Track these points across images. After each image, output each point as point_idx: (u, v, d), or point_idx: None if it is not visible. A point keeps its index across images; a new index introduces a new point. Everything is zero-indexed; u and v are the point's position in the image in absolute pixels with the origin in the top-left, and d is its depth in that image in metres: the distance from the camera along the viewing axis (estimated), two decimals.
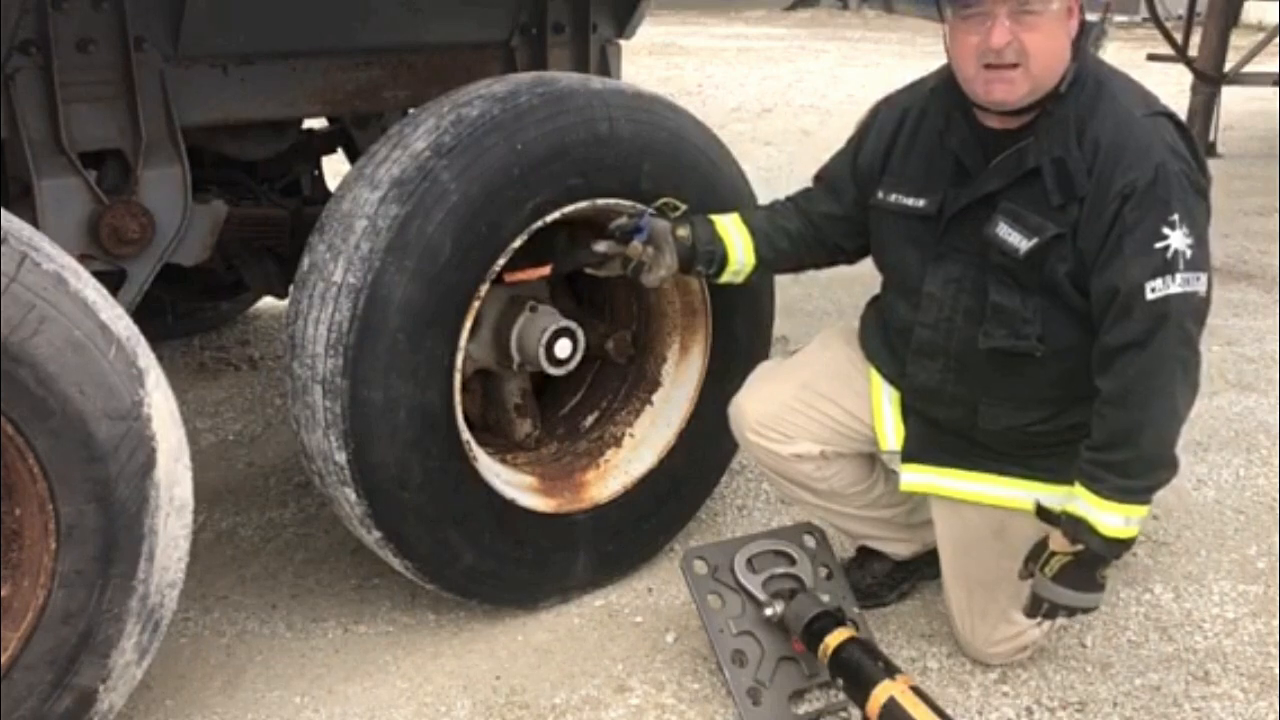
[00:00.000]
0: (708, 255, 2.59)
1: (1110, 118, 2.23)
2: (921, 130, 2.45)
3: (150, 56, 2.45)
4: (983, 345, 2.36)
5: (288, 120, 3.10)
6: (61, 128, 2.35)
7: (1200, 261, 2.19)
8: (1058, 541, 2.32)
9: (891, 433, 2.60)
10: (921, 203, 2.43)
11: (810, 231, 2.65)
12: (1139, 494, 2.26)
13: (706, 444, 2.99)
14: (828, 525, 2.79)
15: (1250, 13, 10.34)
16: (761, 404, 2.65)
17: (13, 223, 1.97)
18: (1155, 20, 8.36)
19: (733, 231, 2.62)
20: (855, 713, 2.39)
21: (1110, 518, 2.24)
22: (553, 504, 2.80)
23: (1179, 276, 2.16)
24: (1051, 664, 2.65)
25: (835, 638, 2.39)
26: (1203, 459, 3.65)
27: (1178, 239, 2.16)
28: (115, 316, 2.06)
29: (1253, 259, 5.86)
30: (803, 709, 2.50)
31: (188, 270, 2.77)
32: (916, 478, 2.57)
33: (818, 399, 2.63)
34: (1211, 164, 8.46)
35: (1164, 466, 2.28)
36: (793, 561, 2.62)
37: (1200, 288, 2.19)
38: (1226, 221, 6.53)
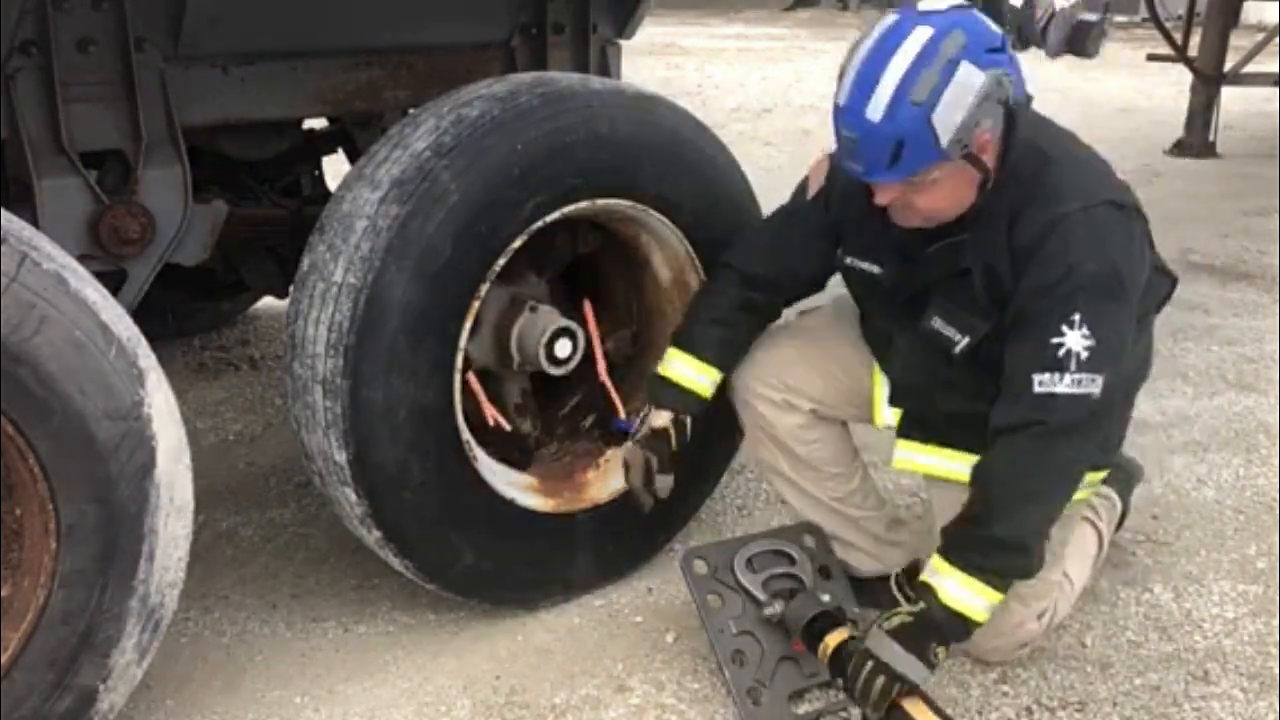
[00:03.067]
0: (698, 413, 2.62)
1: (1039, 216, 2.21)
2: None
3: (150, 56, 2.45)
4: (943, 409, 2.42)
5: (288, 120, 3.10)
6: (61, 128, 2.35)
7: (1098, 363, 2.18)
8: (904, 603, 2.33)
9: (888, 412, 2.60)
10: (877, 270, 2.46)
11: (779, 295, 2.64)
12: (985, 572, 2.23)
13: (707, 444, 2.99)
14: (797, 517, 2.79)
15: (1250, 13, 10.33)
16: (766, 354, 2.66)
17: (13, 223, 1.97)
18: (1155, 20, 8.37)
19: (698, 378, 2.60)
20: (855, 713, 2.39)
21: (952, 585, 2.23)
22: (553, 504, 2.80)
23: (1069, 377, 2.17)
24: (1051, 664, 2.65)
25: (835, 638, 2.39)
26: (1203, 459, 3.65)
27: (1074, 339, 2.16)
28: (116, 316, 2.06)
29: (1253, 259, 5.87)
30: (803, 709, 2.50)
31: (188, 270, 2.77)
32: (909, 455, 2.55)
33: (823, 354, 2.64)
34: (1211, 164, 8.46)
35: (1016, 554, 2.25)
36: (793, 561, 2.62)
37: (1094, 389, 2.19)
38: (1226, 221, 6.54)
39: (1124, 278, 2.21)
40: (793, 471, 2.72)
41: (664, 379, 2.61)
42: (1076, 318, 2.16)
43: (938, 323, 2.34)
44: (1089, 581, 2.81)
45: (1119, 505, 2.95)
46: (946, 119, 2.05)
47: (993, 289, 2.26)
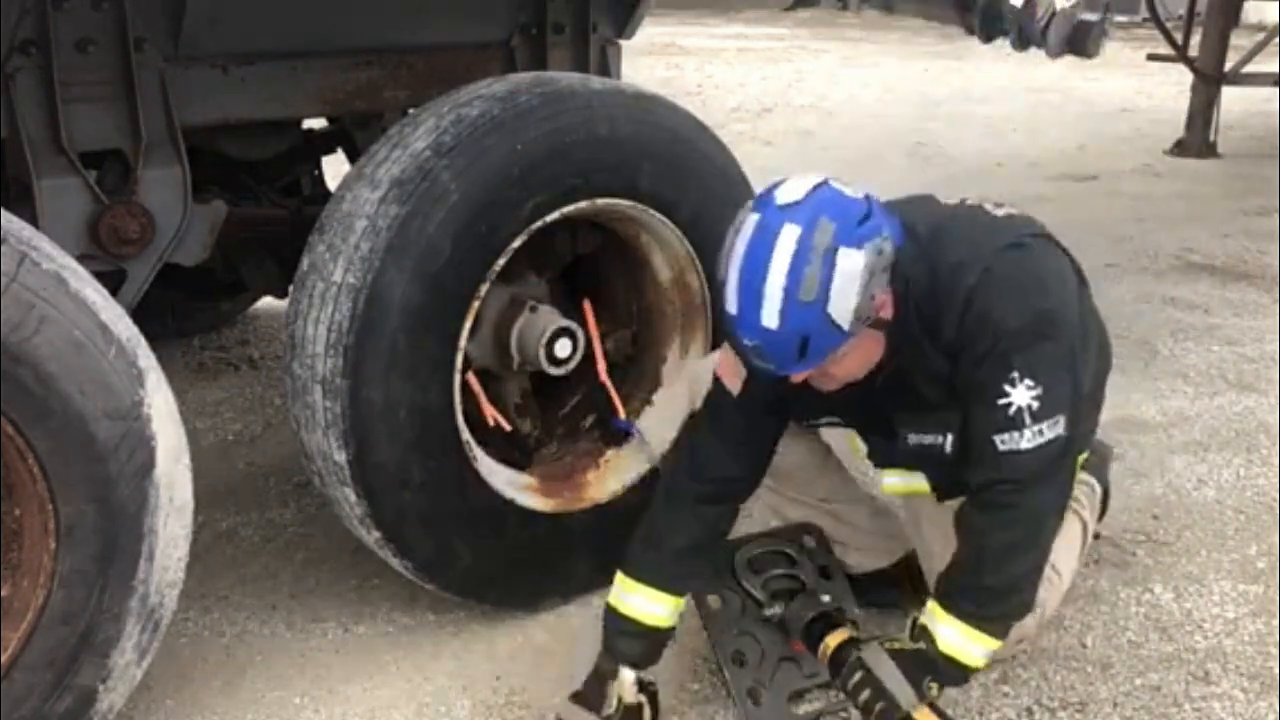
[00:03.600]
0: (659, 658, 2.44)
1: (950, 307, 2.19)
2: None
3: (150, 56, 2.45)
4: (938, 500, 2.45)
5: (288, 120, 3.10)
6: (61, 128, 2.35)
7: (1053, 407, 2.17)
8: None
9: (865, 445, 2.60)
10: (840, 420, 2.48)
11: (742, 492, 2.49)
12: (980, 619, 2.23)
13: None
14: (787, 519, 2.78)
15: (1250, 13, 10.34)
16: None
17: (13, 223, 1.97)
18: (1155, 20, 8.37)
19: (659, 610, 2.40)
20: (855, 713, 2.38)
21: (950, 633, 2.22)
22: (553, 504, 2.80)
23: (1027, 432, 2.17)
24: (1052, 664, 2.65)
25: (835, 638, 2.38)
26: (1203, 459, 3.65)
27: (1019, 395, 2.16)
28: (115, 317, 2.06)
29: (1253, 259, 5.86)
30: (803, 709, 2.50)
31: (188, 270, 2.77)
32: (897, 480, 2.56)
33: None
34: (1211, 164, 8.43)
35: (1010, 597, 2.25)
36: (793, 562, 2.62)
37: (1057, 431, 2.18)
38: (1226, 221, 6.53)
39: (1050, 314, 2.20)
40: (771, 479, 2.71)
41: (621, 616, 2.39)
42: (1015, 375, 2.16)
43: (913, 438, 2.35)
44: (1076, 570, 2.80)
45: (1099, 489, 2.94)
46: (841, 307, 2.03)
47: (943, 384, 2.27)
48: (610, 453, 2.95)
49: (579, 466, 2.93)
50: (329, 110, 2.99)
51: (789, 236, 2.02)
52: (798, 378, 2.18)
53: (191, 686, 2.59)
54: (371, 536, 2.56)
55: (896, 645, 2.29)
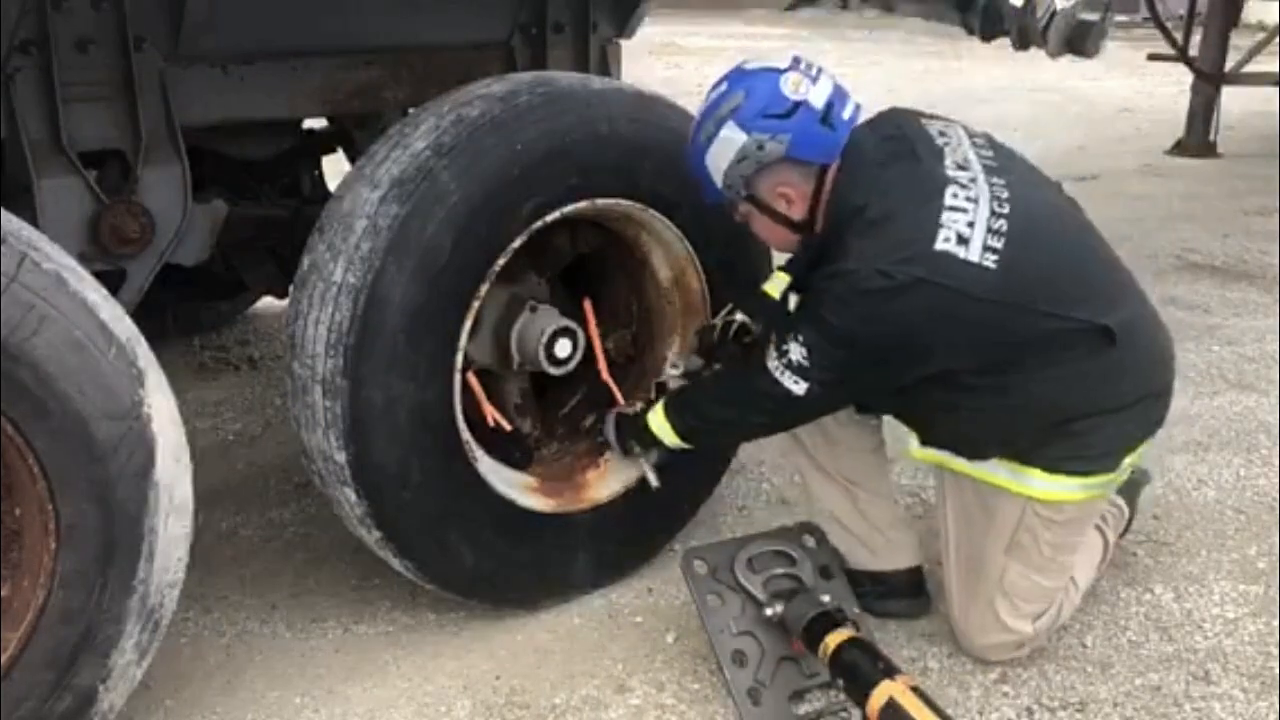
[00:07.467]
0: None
1: (828, 259, 2.36)
2: None
3: (150, 56, 2.45)
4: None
5: (288, 120, 3.10)
6: (61, 128, 2.35)
7: (804, 374, 2.34)
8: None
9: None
10: (788, 276, 2.63)
11: None
12: (672, 417, 2.63)
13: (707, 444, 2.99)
14: (799, 516, 2.79)
15: (1250, 13, 10.34)
16: None
17: (13, 223, 1.97)
18: (1155, 20, 8.37)
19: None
20: (855, 713, 2.38)
21: (655, 419, 2.65)
22: (553, 504, 2.79)
23: (788, 374, 2.36)
24: (1052, 664, 2.65)
25: (835, 638, 2.38)
26: (1203, 459, 3.65)
27: (795, 351, 2.34)
28: (115, 317, 2.06)
29: (1253, 259, 5.86)
30: (803, 709, 2.50)
31: (188, 270, 2.77)
32: (929, 449, 2.60)
33: None
34: (1211, 164, 8.42)
35: (695, 420, 2.63)
36: (793, 562, 2.62)
37: (796, 389, 2.36)
38: (1226, 221, 6.54)
39: (855, 338, 2.29)
40: (810, 439, 2.73)
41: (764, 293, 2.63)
42: (800, 339, 2.35)
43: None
44: (1092, 580, 2.81)
45: (1126, 512, 2.96)
46: (715, 166, 2.41)
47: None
48: (610, 452, 2.95)
49: (579, 466, 2.93)
50: (329, 110, 2.99)
51: (717, 91, 2.40)
52: (739, 215, 2.51)
53: (191, 686, 2.59)
54: (371, 536, 2.56)
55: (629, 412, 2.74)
